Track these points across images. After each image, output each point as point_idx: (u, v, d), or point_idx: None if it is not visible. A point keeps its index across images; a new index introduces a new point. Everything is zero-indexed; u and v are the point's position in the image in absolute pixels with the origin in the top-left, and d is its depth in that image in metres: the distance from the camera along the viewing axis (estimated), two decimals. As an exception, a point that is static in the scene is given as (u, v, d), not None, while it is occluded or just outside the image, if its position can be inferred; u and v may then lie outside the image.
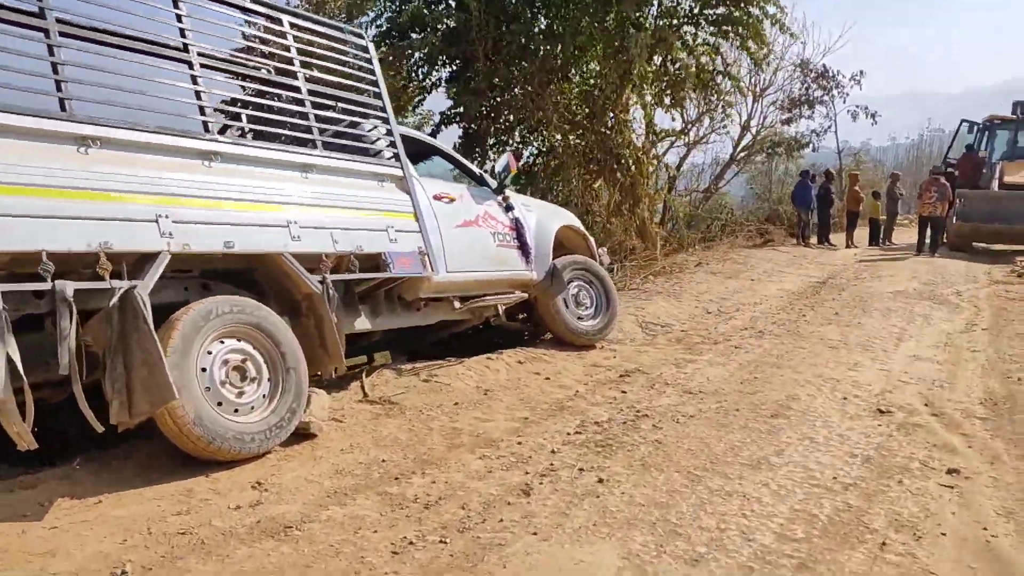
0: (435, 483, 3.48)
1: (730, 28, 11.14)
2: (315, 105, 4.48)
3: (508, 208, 5.93)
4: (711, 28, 11.17)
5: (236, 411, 3.58)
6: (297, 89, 4.41)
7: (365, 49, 4.98)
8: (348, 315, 4.66)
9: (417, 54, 11.51)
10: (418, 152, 6.00)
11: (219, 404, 3.51)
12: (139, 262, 3.29)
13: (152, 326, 3.15)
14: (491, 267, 5.58)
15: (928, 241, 14.93)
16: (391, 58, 11.51)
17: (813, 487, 3.47)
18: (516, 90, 12.18)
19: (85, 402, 2.99)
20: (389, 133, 4.93)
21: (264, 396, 3.74)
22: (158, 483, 3.34)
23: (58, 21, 3.29)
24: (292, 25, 4.49)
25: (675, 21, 10.80)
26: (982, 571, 2.73)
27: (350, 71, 4.86)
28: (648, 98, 12.08)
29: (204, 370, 3.49)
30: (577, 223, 6.80)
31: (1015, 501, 3.35)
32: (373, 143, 4.84)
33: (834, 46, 23.46)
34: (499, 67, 11.72)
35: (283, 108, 4.46)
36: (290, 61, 4.44)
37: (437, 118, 13.21)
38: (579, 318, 6.39)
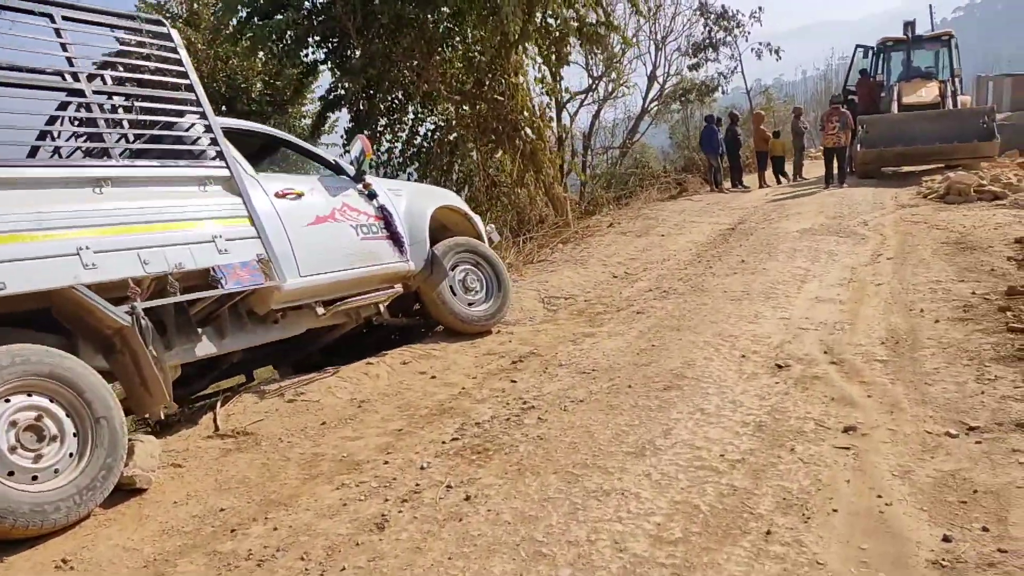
0: (277, 530, 3.02)
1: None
2: (105, 108, 3.88)
3: (371, 196, 5.41)
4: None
5: (35, 479, 3.04)
6: (80, 93, 3.80)
7: (167, 36, 4.36)
8: (184, 342, 4.11)
9: (288, 34, 10.73)
10: (264, 146, 5.44)
11: (10, 474, 2.96)
12: None
13: None
14: (358, 264, 5.07)
15: (836, 172, 14.98)
16: (258, 45, 10.73)
17: (698, 470, 3.14)
18: (399, 65, 11.56)
19: None
20: (208, 129, 4.35)
21: (71, 455, 3.19)
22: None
23: None
24: (65, 19, 3.84)
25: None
26: (873, 552, 2.42)
27: (152, 64, 4.25)
28: (536, 59, 11.64)
29: (-18, 439, 2.92)
30: (456, 202, 6.33)
31: (912, 456, 3.09)
32: (191, 143, 4.25)
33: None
34: (373, 42, 11.07)
35: (68, 117, 3.82)
36: (70, 61, 3.81)
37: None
38: (469, 304, 5.95)
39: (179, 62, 4.36)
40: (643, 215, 13.19)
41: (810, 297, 6.06)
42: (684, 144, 24.68)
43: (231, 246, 4.11)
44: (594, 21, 11.25)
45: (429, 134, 13.29)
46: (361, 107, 12.15)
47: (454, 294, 5.84)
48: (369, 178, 5.57)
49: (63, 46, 3.80)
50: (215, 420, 4.21)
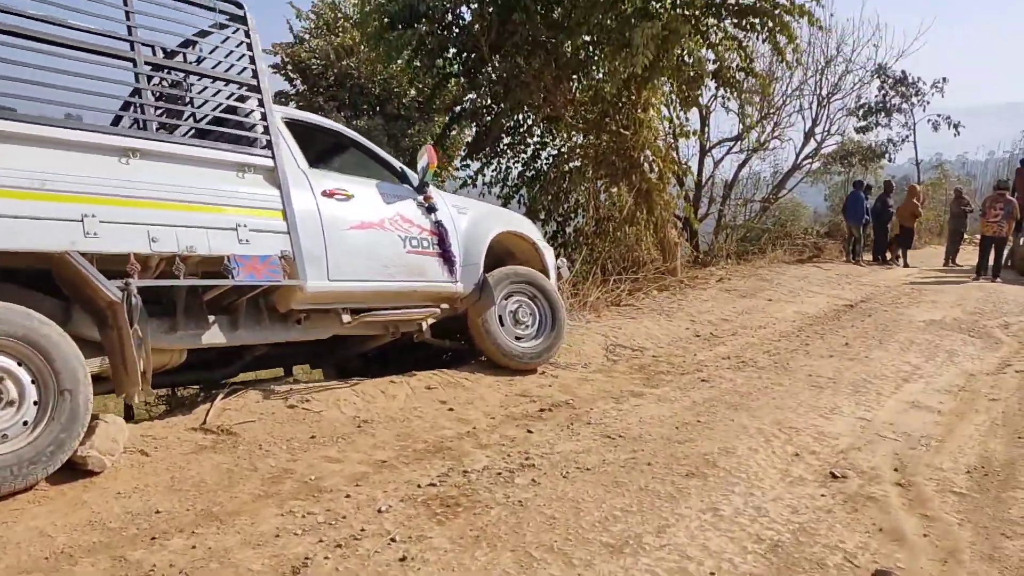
0: (195, 548, 2.76)
1: (757, 20, 10.08)
2: (153, 81, 3.84)
3: (430, 209, 5.17)
4: (733, 20, 10.14)
5: None
6: (158, 67, 3.79)
7: (243, 20, 4.31)
8: (191, 327, 4.00)
9: (424, 44, 10.82)
10: (337, 144, 5.33)
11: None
12: None
13: None
14: (398, 277, 4.83)
15: (991, 264, 13.40)
16: (391, 53, 10.88)
17: (673, 590, 2.60)
18: (528, 86, 11.41)
19: None
20: (263, 117, 4.25)
21: (25, 423, 3.09)
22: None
23: None
24: (138, -7, 3.85)
25: (692, 12, 9.82)
26: None
27: (216, 45, 4.21)
28: (670, 96, 11.12)
29: (-63, 392, 2.87)
30: (526, 229, 5.97)
31: (948, 633, 2.41)
32: (242, 128, 4.16)
33: (909, 49, 21.85)
34: (505, 60, 10.97)
35: (109, 82, 3.80)
36: (130, 31, 3.80)
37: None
38: (517, 338, 5.57)
39: (250, 47, 4.29)
40: (759, 275, 12.32)
41: (906, 400, 5.22)
42: (838, 208, 23.12)
43: (254, 237, 3.96)
44: (735, 65, 10.60)
45: (551, 159, 13.06)
46: (485, 124, 12.08)
47: (501, 324, 5.49)
48: (434, 191, 5.34)
49: (128, 15, 3.79)
50: (207, 413, 4.05)
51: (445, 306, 5.31)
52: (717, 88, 11.27)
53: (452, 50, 11.49)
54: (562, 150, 13.12)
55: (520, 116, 12.62)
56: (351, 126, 18.35)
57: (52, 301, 3.52)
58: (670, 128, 11.99)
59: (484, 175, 13.56)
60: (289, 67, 19.04)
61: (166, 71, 4.16)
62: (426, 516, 3.12)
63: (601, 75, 10.92)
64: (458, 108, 12.01)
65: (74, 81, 3.60)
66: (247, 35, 4.31)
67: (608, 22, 9.85)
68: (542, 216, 12.94)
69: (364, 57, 13.23)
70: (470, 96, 11.38)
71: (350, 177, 4.83)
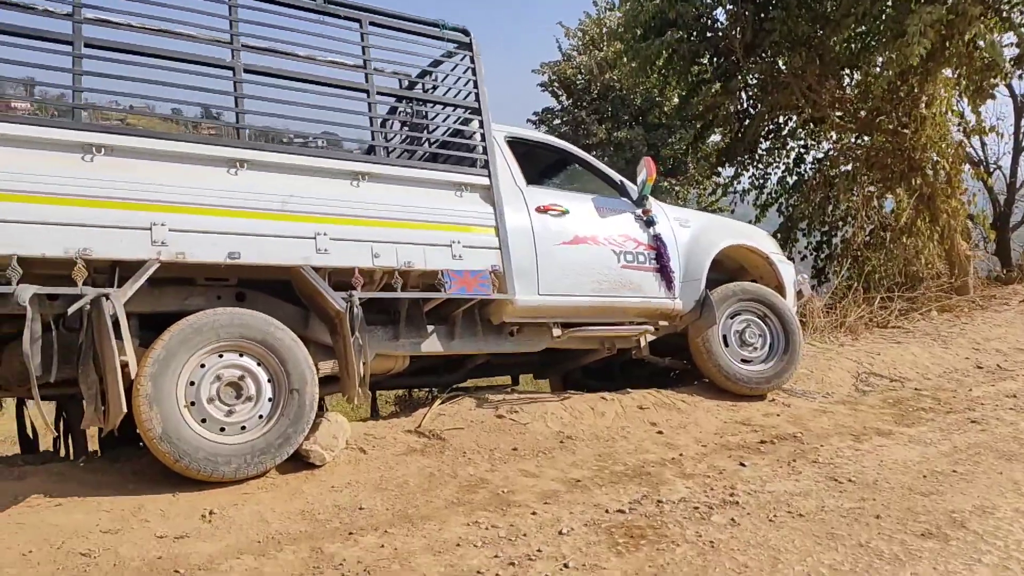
0: (383, 547, 2.95)
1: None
2: (381, 109, 4.19)
3: (648, 223, 5.02)
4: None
5: (222, 430, 3.43)
6: (366, 92, 4.16)
7: (468, 47, 4.55)
8: (412, 336, 4.29)
9: (677, 52, 10.59)
10: (560, 160, 5.41)
11: (203, 421, 3.39)
12: (129, 269, 3.29)
13: (116, 334, 3.12)
14: (610, 292, 4.75)
15: None
16: (645, 65, 10.80)
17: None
18: (789, 86, 10.67)
19: (40, 404, 3.07)
20: (481, 138, 4.44)
21: (261, 417, 3.53)
22: (129, 493, 3.32)
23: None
24: (372, 24, 4.24)
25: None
26: None
27: (442, 72, 4.49)
28: (955, 89, 9.65)
29: (192, 384, 3.39)
30: (758, 242, 5.52)
31: None
32: (468, 150, 4.40)
33: None
34: (763, 60, 10.34)
35: (344, 111, 4.21)
36: (365, 64, 4.20)
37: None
38: (743, 360, 5.18)
39: (474, 71, 4.52)
40: (1083, 295, 10.19)
41: None
42: None
43: (468, 253, 4.15)
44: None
45: (816, 163, 12.06)
46: (740, 129, 11.50)
47: (726, 345, 5.15)
48: (655, 204, 5.18)
49: (363, 50, 4.20)
50: (424, 416, 4.32)
51: (664, 323, 5.13)
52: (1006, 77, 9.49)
53: (706, 56, 11.09)
54: (828, 153, 12.06)
55: (781, 119, 11.83)
56: (612, 138, 18.72)
57: (294, 309, 3.99)
58: (960, 124, 10.39)
59: (740, 182, 12.95)
60: (555, 84, 19.89)
61: (399, 100, 4.52)
62: (607, 544, 3.01)
63: (871, 69, 9.82)
64: (710, 116, 11.52)
65: (321, 113, 4.08)
66: (471, 60, 4.54)
67: (882, 9, 8.81)
68: (803, 226, 12.00)
69: (626, 69, 13.25)
70: (725, 101, 10.85)
71: (567, 193, 4.87)
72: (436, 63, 4.78)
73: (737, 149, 11.46)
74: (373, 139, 4.22)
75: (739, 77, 10.69)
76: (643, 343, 5.14)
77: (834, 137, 11.66)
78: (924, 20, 7.90)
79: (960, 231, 10.75)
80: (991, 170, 12.88)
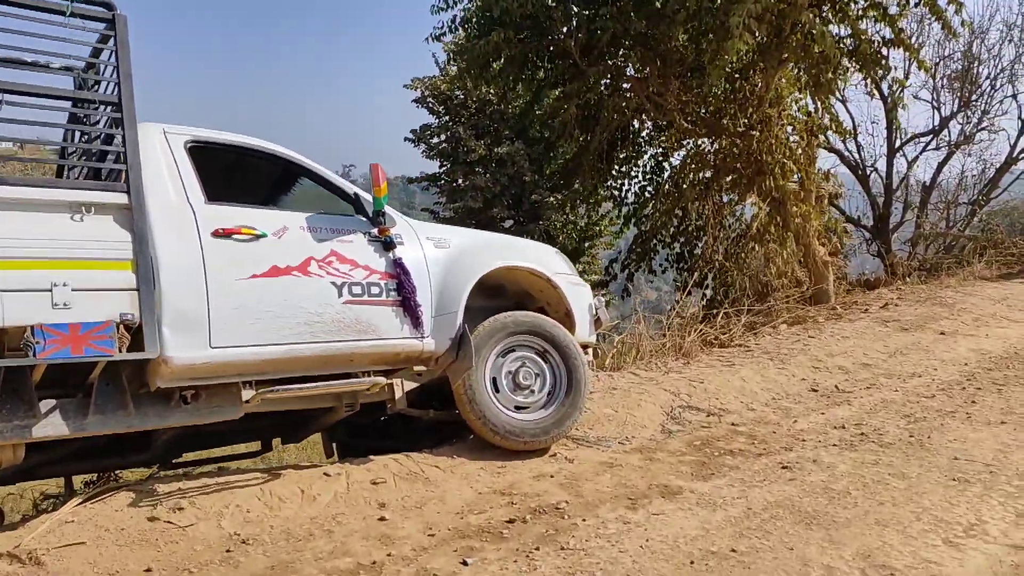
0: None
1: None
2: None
3: (387, 245, 3.98)
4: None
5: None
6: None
7: (111, 25, 3.41)
8: (14, 416, 3.07)
9: (503, 55, 9.70)
10: (283, 174, 4.33)
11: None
12: None
13: None
14: (328, 335, 3.67)
15: None
16: (471, 68, 9.90)
17: None
18: (630, 90, 9.99)
19: None
20: (121, 142, 3.30)
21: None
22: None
23: None
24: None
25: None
26: None
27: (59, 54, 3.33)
28: (794, 85, 9.16)
29: None
30: (533, 261, 4.53)
31: None
32: (91, 157, 3.25)
33: None
34: (602, 63, 9.60)
35: None
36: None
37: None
38: (518, 408, 4.20)
39: (117, 56, 3.38)
40: (939, 298, 9.80)
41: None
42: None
43: (80, 299, 3.00)
44: (879, 39, 8.47)
45: (672, 170, 11.45)
46: (586, 138, 10.74)
47: (496, 390, 4.16)
48: (401, 221, 4.17)
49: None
50: (40, 526, 3.10)
51: (421, 368, 4.11)
52: (862, 71, 9.05)
53: (543, 59, 10.29)
54: (673, 160, 11.52)
55: (636, 124, 11.16)
56: (492, 154, 17.86)
57: None
58: (809, 123, 9.92)
59: (599, 194, 12.25)
60: (429, 100, 18.91)
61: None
62: None
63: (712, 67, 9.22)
64: (553, 123, 10.71)
65: None
66: (115, 41, 3.40)
67: (712, 1, 8.18)
68: (662, 237, 11.36)
69: (458, 72, 12.31)
70: (563, 107, 10.04)
71: (266, 211, 3.79)
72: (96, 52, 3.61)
73: (583, 160, 10.67)
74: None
75: (578, 82, 9.92)
76: (398, 394, 4.09)
77: (677, 143, 11.12)
78: (750, 11, 7.28)
79: (818, 236, 10.29)
80: (868, 172, 12.64)
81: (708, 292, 10.48)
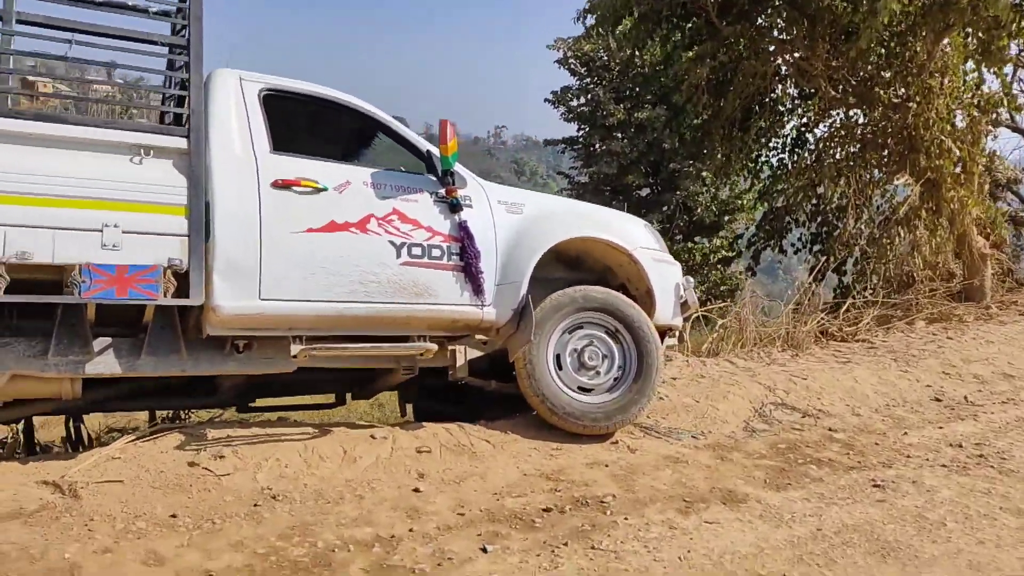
0: None
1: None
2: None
3: (453, 207, 3.80)
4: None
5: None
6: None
7: None
8: (68, 352, 3.18)
9: (634, 14, 9.15)
10: (361, 126, 4.22)
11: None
12: None
13: None
14: (382, 296, 3.56)
15: None
16: (599, 27, 9.44)
17: None
18: (765, 53, 9.19)
19: None
20: (182, 86, 3.30)
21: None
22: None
23: None
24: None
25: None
26: None
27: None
28: (962, 53, 8.03)
29: None
30: (618, 233, 4.20)
31: None
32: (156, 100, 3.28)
33: None
34: (740, 23, 8.87)
35: None
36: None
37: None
38: (581, 388, 3.93)
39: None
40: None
41: None
42: None
43: (130, 241, 3.04)
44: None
45: (811, 147, 10.52)
46: (717, 104, 10.01)
47: (559, 368, 3.91)
48: (472, 182, 3.96)
49: None
50: (88, 460, 3.21)
51: (481, 337, 3.94)
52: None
53: (670, 20, 9.64)
54: (817, 133, 10.53)
55: (774, 92, 10.29)
56: (631, 118, 17.26)
57: None
58: (976, 97, 8.74)
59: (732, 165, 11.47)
60: (571, 61, 18.51)
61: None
62: None
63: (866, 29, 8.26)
64: (682, 88, 10.06)
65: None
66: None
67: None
68: (797, 216, 10.49)
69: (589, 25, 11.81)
70: (695, 70, 9.38)
71: (331, 164, 3.68)
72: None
73: (712, 128, 9.98)
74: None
75: (712, 42, 9.22)
76: (459, 362, 3.95)
77: (835, 115, 10.12)
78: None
79: (975, 224, 9.13)
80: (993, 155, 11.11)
81: (843, 279, 9.61)
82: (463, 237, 3.77)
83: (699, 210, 17.38)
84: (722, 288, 15.52)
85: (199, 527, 2.86)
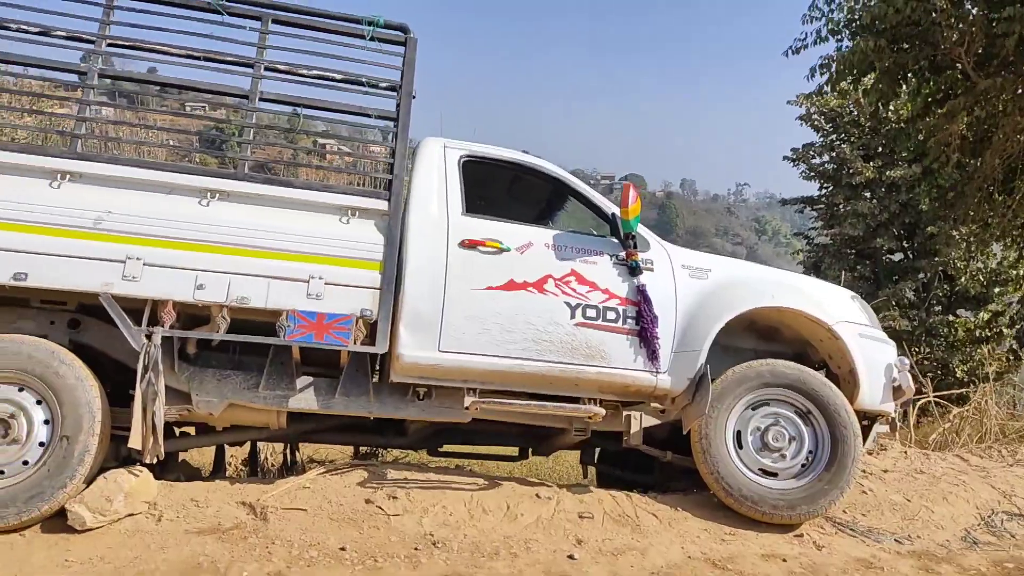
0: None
1: None
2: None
3: (633, 270, 3.75)
4: None
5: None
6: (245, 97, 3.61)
7: (402, 46, 3.80)
8: (277, 387, 3.55)
9: (876, 66, 8.51)
10: (551, 189, 4.35)
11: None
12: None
13: None
14: (553, 355, 3.59)
15: None
16: (838, 79, 8.89)
17: None
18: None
19: None
20: (391, 153, 3.65)
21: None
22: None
23: None
24: (275, 22, 3.69)
25: None
26: None
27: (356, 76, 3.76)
28: None
29: None
30: (810, 305, 3.82)
31: None
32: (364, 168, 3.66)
33: None
34: (997, 75, 7.92)
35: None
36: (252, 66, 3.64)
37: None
38: (763, 471, 3.63)
39: (402, 75, 3.77)
40: None
41: None
42: None
43: (332, 292, 3.37)
44: None
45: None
46: (974, 163, 8.95)
47: (740, 447, 3.66)
48: (655, 246, 3.91)
49: (259, 52, 3.67)
50: (282, 486, 3.55)
51: (656, 405, 3.82)
52: None
53: (918, 67, 8.82)
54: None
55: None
56: (882, 177, 15.98)
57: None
58: None
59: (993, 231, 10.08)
60: (816, 117, 17.66)
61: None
62: None
63: None
64: (931, 142, 9.10)
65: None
66: (403, 62, 3.79)
67: None
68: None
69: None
70: (944, 126, 8.47)
71: (514, 225, 3.81)
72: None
73: (966, 189, 8.91)
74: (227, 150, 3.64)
75: (966, 96, 8.29)
76: (634, 428, 3.85)
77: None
78: None
79: None
80: None
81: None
82: (640, 301, 3.71)
83: (963, 279, 15.40)
84: (987, 371, 13.55)
85: (362, 563, 3.04)
